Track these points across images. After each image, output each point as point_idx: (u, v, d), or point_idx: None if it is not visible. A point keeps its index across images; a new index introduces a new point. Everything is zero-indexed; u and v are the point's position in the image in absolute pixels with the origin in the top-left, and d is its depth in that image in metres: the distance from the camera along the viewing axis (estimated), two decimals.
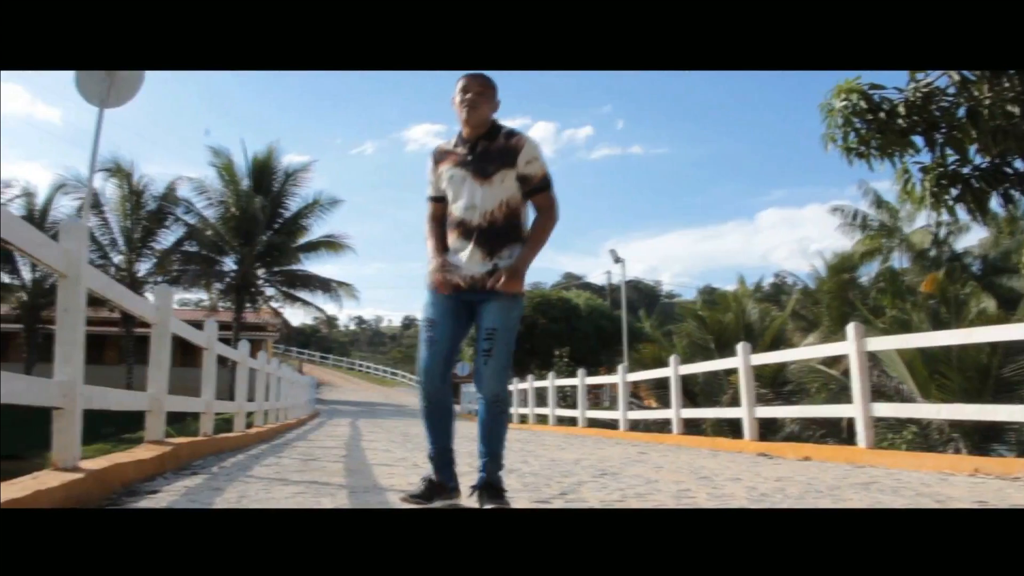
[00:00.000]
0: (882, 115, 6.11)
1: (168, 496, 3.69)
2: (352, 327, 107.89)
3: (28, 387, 3.21)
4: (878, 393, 11.43)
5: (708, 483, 4.74)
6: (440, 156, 3.40)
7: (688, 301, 47.59)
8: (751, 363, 8.58)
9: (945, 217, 6.62)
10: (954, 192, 6.49)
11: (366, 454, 7.19)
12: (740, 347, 8.71)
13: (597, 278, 66.97)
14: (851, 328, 6.71)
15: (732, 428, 13.43)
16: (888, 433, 9.96)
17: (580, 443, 9.99)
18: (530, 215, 3.39)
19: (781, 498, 4.02)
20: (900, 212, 24.34)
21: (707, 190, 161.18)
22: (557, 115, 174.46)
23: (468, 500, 3.38)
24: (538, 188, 3.30)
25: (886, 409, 6.89)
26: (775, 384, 16.59)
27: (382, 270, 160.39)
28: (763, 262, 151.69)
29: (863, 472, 5.52)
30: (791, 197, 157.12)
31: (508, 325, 3.34)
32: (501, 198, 3.27)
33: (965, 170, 6.47)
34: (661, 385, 17.39)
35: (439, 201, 3.42)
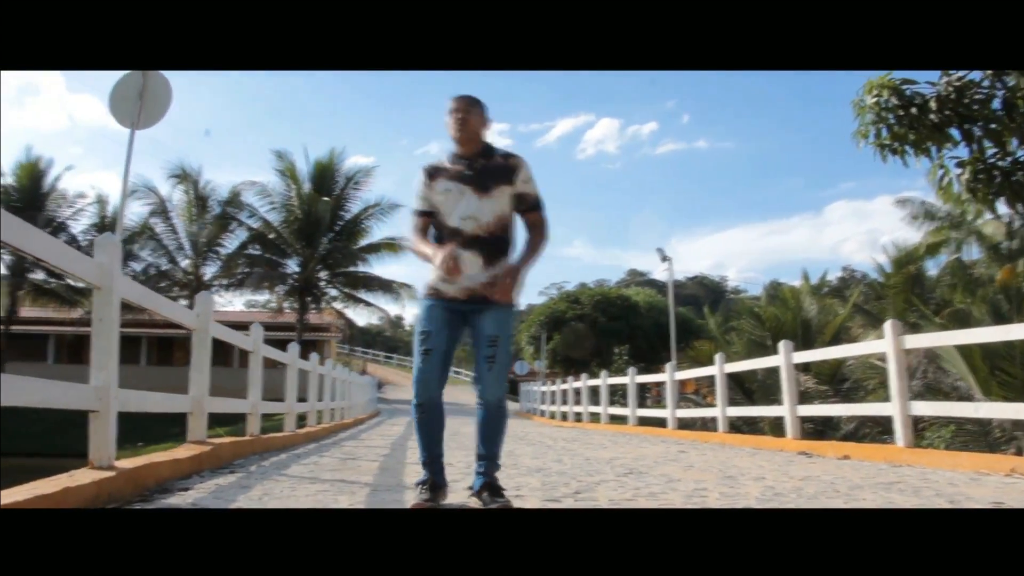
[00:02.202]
0: (913, 110, 6.02)
1: (196, 493, 3.91)
2: None
3: (63, 392, 3.45)
4: (934, 391, 11.20)
5: (729, 483, 4.77)
6: (434, 172, 3.51)
7: (752, 297, 47.00)
8: (792, 361, 8.51)
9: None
10: (994, 186, 6.37)
11: (407, 453, 7.37)
12: (782, 345, 8.66)
13: (662, 275, 66.41)
14: (888, 326, 6.63)
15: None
16: (927, 432, 9.74)
17: (625, 442, 10.03)
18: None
19: (794, 498, 4.04)
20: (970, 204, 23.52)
21: (774, 183, 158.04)
22: (621, 112, 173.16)
23: (470, 501, 3.52)
24: (533, 207, 3.52)
25: (923, 408, 6.78)
26: (834, 381, 16.31)
27: None
28: (831, 256, 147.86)
29: (895, 471, 5.47)
30: (860, 189, 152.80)
31: (508, 333, 3.51)
32: (497, 211, 3.44)
33: (1004, 163, 6.34)
34: None
35: (427, 215, 3.53)
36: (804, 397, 15.49)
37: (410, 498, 3.77)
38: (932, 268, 25.36)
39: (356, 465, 5.94)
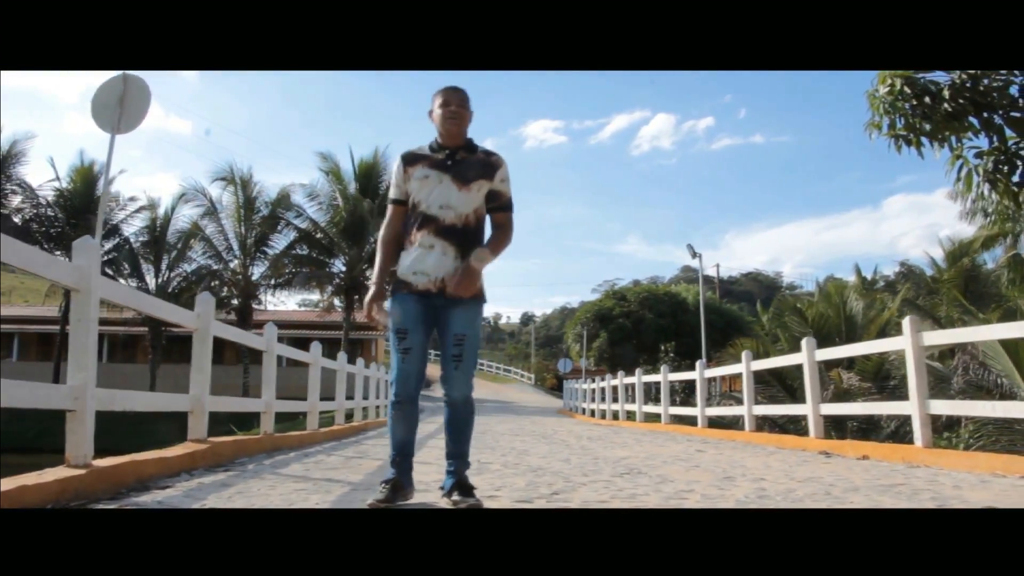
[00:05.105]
0: (927, 99, 5.80)
1: (172, 492, 3.94)
2: None
3: (31, 392, 3.51)
4: (976, 387, 10.83)
5: (722, 484, 4.65)
6: (412, 159, 3.49)
7: (807, 293, 46.09)
8: (816, 359, 8.28)
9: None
10: (1016, 176, 6.10)
11: (421, 452, 7.35)
12: (804, 342, 8.43)
13: (712, 271, 65.48)
14: (907, 322, 6.41)
15: (835, 425, 12.93)
16: (957, 431, 9.40)
17: (649, 440, 9.88)
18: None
19: (778, 500, 3.92)
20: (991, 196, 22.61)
21: (831, 178, 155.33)
22: (677, 107, 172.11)
23: (442, 501, 3.49)
24: (504, 207, 3.53)
25: (942, 407, 6.54)
26: (877, 378, 15.88)
27: (500, 267, 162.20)
28: (889, 251, 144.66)
29: (907, 473, 5.28)
30: (919, 182, 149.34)
31: (475, 331, 3.49)
32: (474, 205, 3.45)
33: None
34: (762, 380, 16.88)
35: (402, 204, 3.53)
36: (847, 395, 15.12)
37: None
38: (991, 262, 24.56)
39: (358, 464, 5.96)
